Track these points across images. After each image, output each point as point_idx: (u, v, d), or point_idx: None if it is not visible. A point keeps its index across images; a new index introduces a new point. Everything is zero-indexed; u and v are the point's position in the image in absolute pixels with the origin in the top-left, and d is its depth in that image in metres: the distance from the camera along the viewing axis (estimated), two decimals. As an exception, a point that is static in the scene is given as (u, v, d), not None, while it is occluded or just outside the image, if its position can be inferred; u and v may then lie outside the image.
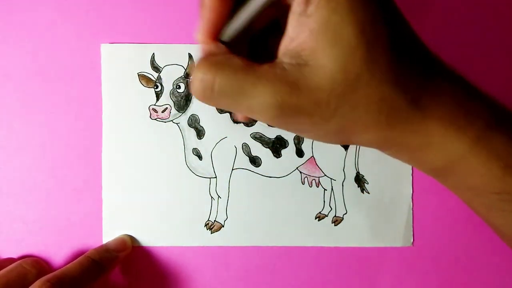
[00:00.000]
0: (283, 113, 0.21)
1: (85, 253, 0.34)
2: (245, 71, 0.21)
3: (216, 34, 0.23)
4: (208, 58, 0.21)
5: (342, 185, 0.37)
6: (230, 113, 0.37)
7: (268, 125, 0.36)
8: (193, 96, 0.37)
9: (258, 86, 0.20)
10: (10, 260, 0.35)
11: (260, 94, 0.20)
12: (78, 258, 0.34)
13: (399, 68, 0.20)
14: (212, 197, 0.37)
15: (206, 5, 0.22)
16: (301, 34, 0.20)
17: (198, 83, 0.21)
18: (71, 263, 0.33)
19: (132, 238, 0.37)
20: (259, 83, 0.20)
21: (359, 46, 0.19)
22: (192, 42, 0.37)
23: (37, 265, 0.34)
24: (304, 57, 0.20)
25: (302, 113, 0.21)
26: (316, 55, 0.20)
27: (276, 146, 0.37)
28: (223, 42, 0.23)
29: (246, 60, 0.21)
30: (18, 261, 0.34)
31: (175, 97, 0.37)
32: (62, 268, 0.32)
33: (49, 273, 0.32)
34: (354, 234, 0.37)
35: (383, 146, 0.23)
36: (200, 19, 0.23)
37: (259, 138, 0.37)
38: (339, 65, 0.20)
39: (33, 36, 0.37)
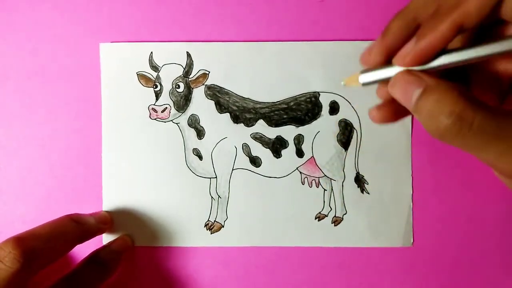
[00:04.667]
0: None
1: (88, 255, 0.34)
2: (502, 113, 0.19)
3: (438, 50, 0.22)
4: (460, 95, 0.20)
5: (342, 186, 0.37)
6: (230, 113, 0.37)
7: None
8: (192, 96, 0.37)
9: None
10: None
11: None
12: (82, 260, 0.34)
13: None
14: (212, 197, 0.37)
15: (450, 21, 0.21)
16: None
17: (454, 118, 0.19)
18: (76, 264, 0.33)
19: (132, 238, 0.37)
20: None
21: None
22: (190, 40, 0.37)
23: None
24: None
25: None
26: None
27: (276, 146, 0.37)
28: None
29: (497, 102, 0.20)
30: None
31: (175, 96, 0.37)
32: (67, 272, 0.32)
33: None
34: (354, 234, 0.37)
35: None
36: (426, 35, 0.21)
37: (259, 138, 0.37)
38: None
39: (32, 35, 0.37)
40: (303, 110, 0.37)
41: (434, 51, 0.21)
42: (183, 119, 0.37)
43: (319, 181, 0.37)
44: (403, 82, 0.22)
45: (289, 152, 0.37)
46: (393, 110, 0.24)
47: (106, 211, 0.37)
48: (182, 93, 0.37)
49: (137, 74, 0.37)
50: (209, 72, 0.37)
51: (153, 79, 0.37)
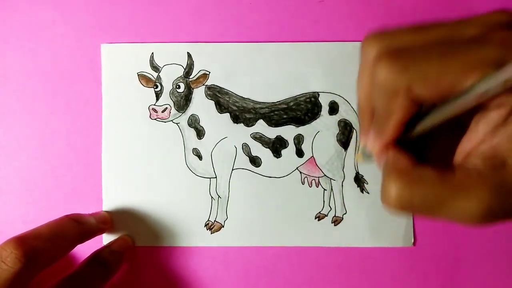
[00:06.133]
0: (489, 219, 0.20)
1: (90, 255, 0.34)
2: (440, 183, 0.20)
3: (394, 142, 0.23)
4: (400, 173, 0.21)
5: (342, 185, 0.37)
6: (230, 113, 0.37)
7: None
8: (192, 96, 0.37)
9: (459, 197, 0.20)
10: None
11: (462, 205, 0.20)
12: (83, 260, 0.34)
13: None
14: (212, 197, 0.37)
15: (393, 123, 0.22)
16: (496, 138, 0.20)
17: (396, 200, 0.21)
18: (78, 265, 0.33)
19: (132, 238, 0.37)
20: (459, 194, 0.20)
21: None
22: (190, 40, 0.37)
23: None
24: (500, 159, 0.20)
25: (507, 215, 0.20)
26: None
27: (276, 146, 0.37)
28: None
29: (438, 169, 0.21)
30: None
31: (175, 97, 0.37)
32: (70, 272, 0.32)
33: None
34: (354, 234, 0.37)
35: None
36: (381, 133, 0.23)
37: (259, 138, 0.37)
38: None
39: (33, 36, 0.37)
40: (303, 110, 0.37)
41: (391, 145, 0.23)
42: (183, 119, 0.37)
43: (319, 181, 0.37)
44: (378, 157, 0.24)
45: (289, 152, 0.37)
46: None
47: (106, 211, 0.37)
48: (182, 93, 0.37)
49: (138, 75, 0.37)
50: (210, 72, 0.37)
51: (154, 79, 0.37)
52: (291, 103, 0.37)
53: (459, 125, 0.23)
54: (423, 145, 0.25)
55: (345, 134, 0.37)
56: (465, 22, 0.21)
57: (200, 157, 0.37)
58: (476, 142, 0.21)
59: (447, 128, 0.24)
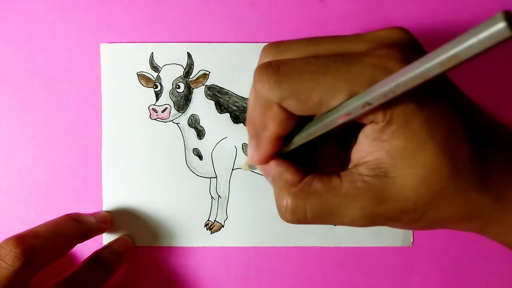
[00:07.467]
0: (373, 222, 0.22)
1: (90, 255, 0.34)
2: (329, 193, 0.21)
3: (273, 155, 0.23)
4: (289, 186, 0.22)
5: (342, 185, 0.37)
6: (230, 113, 0.37)
7: None
8: (192, 96, 0.37)
9: (345, 204, 0.21)
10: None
11: (349, 211, 0.21)
12: (83, 260, 0.34)
13: (481, 170, 0.20)
14: (212, 197, 0.37)
15: (268, 136, 0.22)
16: (376, 152, 0.21)
17: (291, 214, 0.22)
18: (78, 265, 0.33)
19: (132, 238, 0.37)
20: (346, 202, 0.21)
21: (441, 165, 0.19)
22: (190, 40, 0.37)
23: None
24: (383, 170, 0.21)
25: (390, 220, 0.21)
26: (396, 170, 0.20)
27: (276, 146, 0.37)
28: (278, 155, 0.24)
29: (325, 179, 0.22)
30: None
31: (175, 97, 0.37)
32: (69, 272, 0.32)
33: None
34: (354, 234, 0.37)
35: (465, 230, 0.23)
36: (259, 146, 0.23)
37: (259, 138, 0.37)
38: (422, 181, 0.20)
39: (32, 36, 0.37)
40: (303, 110, 0.37)
41: (269, 158, 0.23)
42: (183, 119, 0.37)
43: (319, 181, 0.37)
44: (262, 170, 0.25)
45: (289, 152, 0.37)
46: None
47: (106, 211, 0.37)
48: (182, 93, 0.37)
49: (138, 75, 0.37)
50: (209, 72, 0.37)
51: (154, 79, 0.37)
52: (291, 103, 0.37)
53: (352, 135, 0.23)
54: (314, 154, 0.25)
55: (345, 134, 0.37)
56: (358, 37, 0.21)
57: (200, 157, 0.37)
58: (362, 153, 0.21)
59: (339, 138, 0.25)
